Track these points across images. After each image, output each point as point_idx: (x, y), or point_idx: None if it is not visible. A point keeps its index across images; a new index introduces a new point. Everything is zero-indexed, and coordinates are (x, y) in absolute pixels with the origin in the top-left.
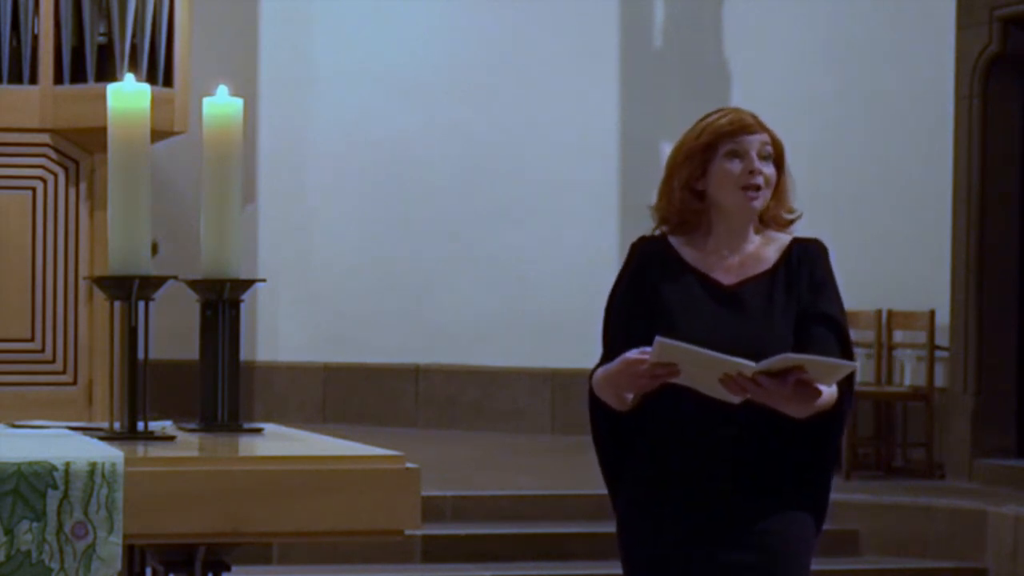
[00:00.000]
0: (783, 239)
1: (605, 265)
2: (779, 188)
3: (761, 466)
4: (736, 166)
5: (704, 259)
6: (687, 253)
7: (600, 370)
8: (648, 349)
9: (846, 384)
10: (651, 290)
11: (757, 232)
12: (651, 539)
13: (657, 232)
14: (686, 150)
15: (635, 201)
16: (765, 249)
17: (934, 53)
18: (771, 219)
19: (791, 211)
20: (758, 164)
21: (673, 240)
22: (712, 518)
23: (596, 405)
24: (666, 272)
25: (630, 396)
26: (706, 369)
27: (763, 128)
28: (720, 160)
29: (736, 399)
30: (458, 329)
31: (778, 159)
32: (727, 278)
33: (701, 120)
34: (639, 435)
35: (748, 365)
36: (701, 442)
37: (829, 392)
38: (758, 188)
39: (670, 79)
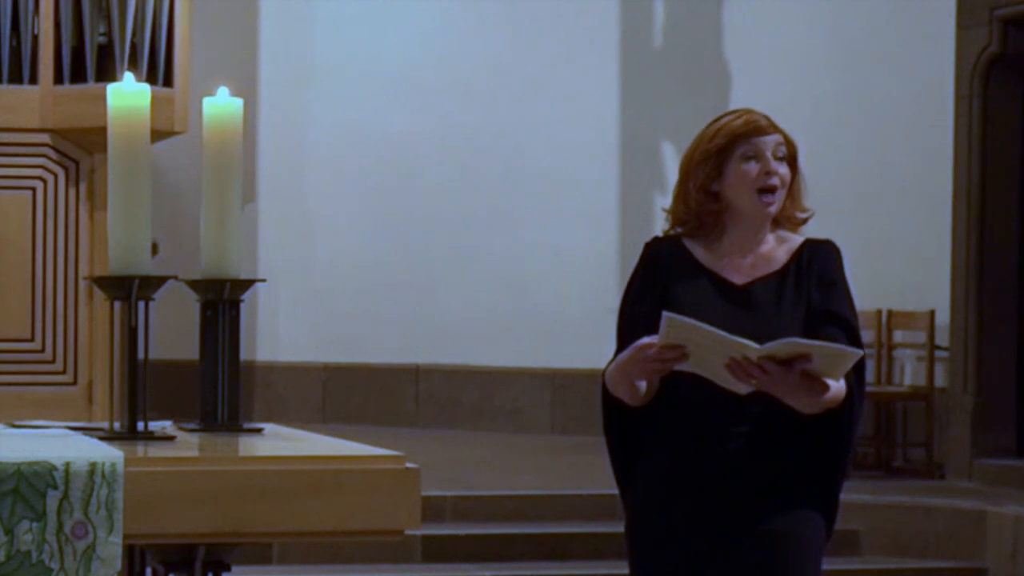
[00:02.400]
0: (795, 240)
1: (605, 265)
2: (793, 188)
3: (773, 465)
4: (752, 167)
5: (717, 260)
6: (700, 254)
7: (613, 363)
8: (656, 338)
9: (856, 383)
10: (664, 289)
11: (771, 232)
12: (661, 537)
13: (671, 232)
14: (701, 152)
15: (635, 201)
16: (777, 250)
17: (934, 53)
18: (785, 218)
19: (804, 210)
20: (774, 165)
21: (687, 241)
22: (723, 517)
23: (609, 404)
24: (679, 272)
25: (643, 387)
26: (712, 351)
27: (777, 129)
28: (736, 161)
29: (743, 389)
30: (458, 329)
31: (792, 159)
32: (738, 278)
33: (714, 122)
34: (652, 431)
35: (752, 346)
36: (714, 439)
37: (837, 388)
38: (774, 189)
39: (670, 79)
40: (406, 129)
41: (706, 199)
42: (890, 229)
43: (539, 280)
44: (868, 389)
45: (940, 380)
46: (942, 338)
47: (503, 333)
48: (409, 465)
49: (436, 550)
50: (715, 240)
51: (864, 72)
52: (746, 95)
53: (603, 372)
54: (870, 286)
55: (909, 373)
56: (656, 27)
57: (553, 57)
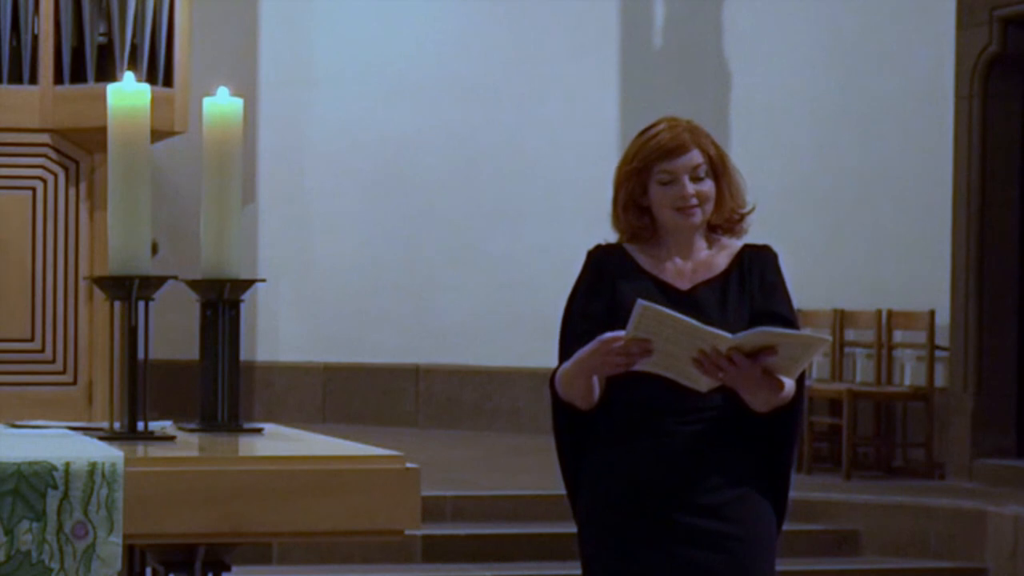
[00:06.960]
0: (734, 245)
1: None
2: (719, 197)
3: (725, 464)
4: (668, 191)
5: (659, 265)
6: (643, 260)
7: (567, 361)
8: (621, 333)
9: (799, 387)
10: (609, 295)
11: (707, 238)
12: (615, 538)
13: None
14: (624, 173)
15: None
16: (717, 257)
17: (934, 53)
18: (721, 223)
19: (742, 205)
20: (689, 188)
21: (629, 247)
22: (676, 517)
23: (559, 407)
24: (624, 277)
25: (598, 387)
26: (680, 344)
27: (696, 143)
28: (654, 184)
29: (703, 386)
30: (458, 329)
31: (715, 170)
32: (682, 283)
33: (638, 137)
34: (606, 429)
35: (725, 336)
36: (666, 438)
37: (789, 387)
38: (692, 208)
39: (670, 79)
40: (406, 129)
41: (637, 213)
42: (890, 229)
43: (539, 280)
44: (869, 389)
45: (940, 380)
46: (942, 338)
47: (503, 333)
48: (409, 465)
49: (436, 550)
50: (655, 247)
51: (864, 72)
52: (746, 95)
53: (551, 376)
54: (870, 286)
55: (909, 373)
56: (656, 27)
57: (553, 57)
